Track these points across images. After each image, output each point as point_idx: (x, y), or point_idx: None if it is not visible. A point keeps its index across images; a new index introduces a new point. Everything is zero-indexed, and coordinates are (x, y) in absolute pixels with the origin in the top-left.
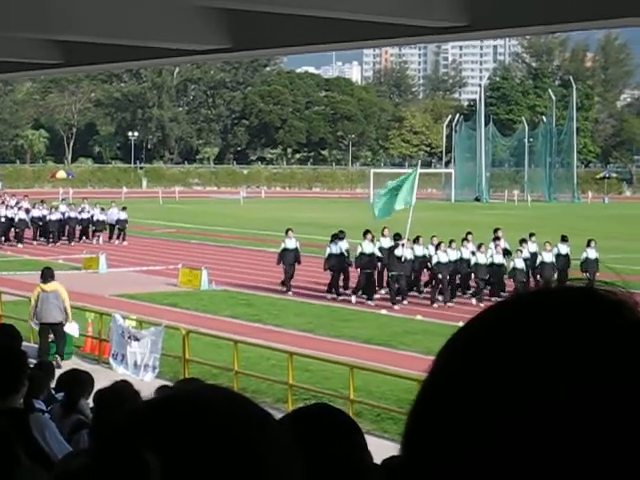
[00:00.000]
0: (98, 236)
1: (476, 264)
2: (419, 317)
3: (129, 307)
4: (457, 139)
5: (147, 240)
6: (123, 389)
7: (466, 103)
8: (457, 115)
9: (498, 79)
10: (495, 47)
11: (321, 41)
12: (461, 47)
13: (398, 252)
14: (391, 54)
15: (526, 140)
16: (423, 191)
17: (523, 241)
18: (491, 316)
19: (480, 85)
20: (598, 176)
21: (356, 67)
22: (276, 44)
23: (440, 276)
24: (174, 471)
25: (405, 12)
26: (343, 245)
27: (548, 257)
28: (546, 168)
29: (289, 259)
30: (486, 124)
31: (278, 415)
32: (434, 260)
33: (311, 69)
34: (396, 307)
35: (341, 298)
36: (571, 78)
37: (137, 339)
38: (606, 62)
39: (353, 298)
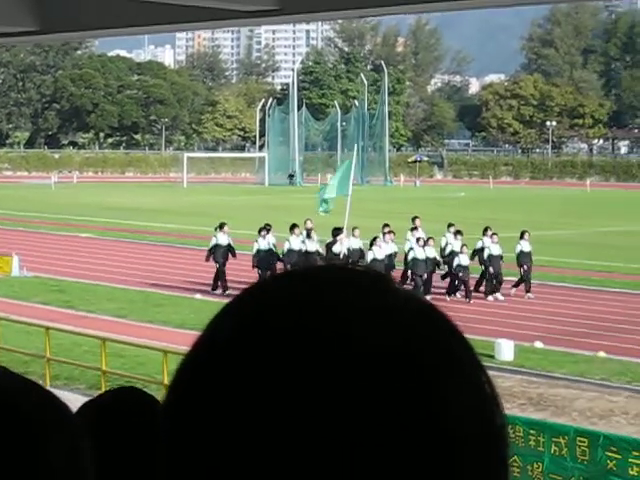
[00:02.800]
0: None
1: (414, 259)
2: None
3: None
4: (270, 123)
5: None
6: None
7: (279, 87)
8: (270, 99)
9: (311, 63)
10: (308, 32)
11: (133, 24)
12: (274, 31)
13: (336, 248)
14: (204, 38)
15: (339, 124)
16: (237, 175)
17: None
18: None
19: (293, 69)
20: (410, 160)
21: (169, 50)
22: (87, 27)
23: None
24: None
25: None
26: (271, 240)
27: (421, 253)
28: (358, 152)
29: (220, 256)
30: (299, 108)
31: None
32: (368, 257)
33: (123, 52)
34: None
35: None
36: (383, 63)
37: None
38: (417, 47)
39: None
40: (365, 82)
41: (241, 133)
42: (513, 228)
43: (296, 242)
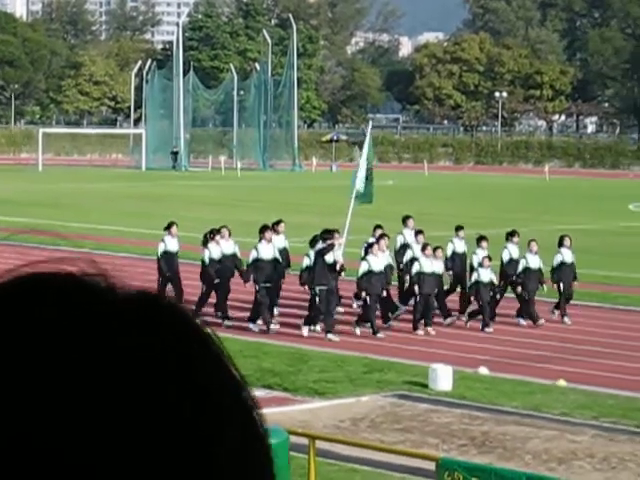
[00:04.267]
0: None
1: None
2: None
3: None
4: (149, 91)
5: None
6: None
7: (160, 46)
8: (149, 61)
9: (200, 16)
10: None
11: None
12: None
13: (329, 258)
14: None
15: (235, 93)
16: (107, 157)
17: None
18: None
19: (178, 24)
20: (324, 138)
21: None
22: None
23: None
24: None
25: None
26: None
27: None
28: (260, 128)
29: (170, 266)
30: (185, 73)
31: None
32: (362, 268)
33: None
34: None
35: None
36: (291, 16)
37: None
38: None
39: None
40: (269, 41)
41: (112, 104)
42: (451, 225)
43: (172, 243)
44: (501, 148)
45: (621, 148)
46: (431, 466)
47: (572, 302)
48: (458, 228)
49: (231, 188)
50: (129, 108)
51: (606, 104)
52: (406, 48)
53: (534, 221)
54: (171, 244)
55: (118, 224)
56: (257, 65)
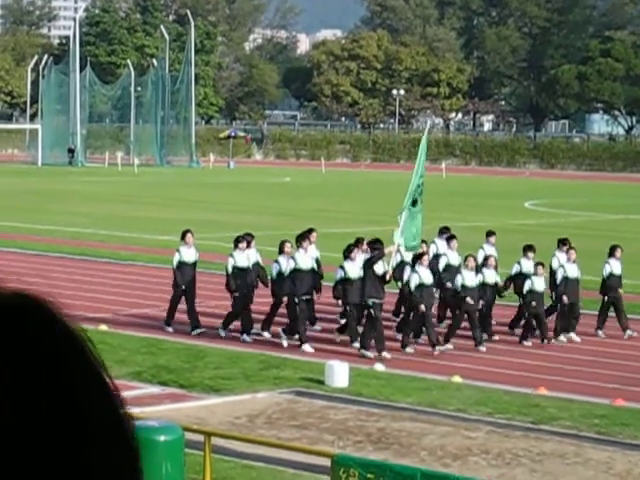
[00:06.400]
0: None
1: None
2: None
3: None
4: (45, 86)
5: None
6: None
7: (57, 41)
8: (45, 56)
9: (98, 11)
10: None
11: None
12: None
13: (378, 269)
14: None
15: (132, 89)
16: (2, 152)
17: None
18: None
19: (75, 19)
20: (222, 135)
21: None
22: None
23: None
24: None
25: None
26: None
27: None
28: (157, 124)
29: (185, 278)
30: (82, 68)
31: None
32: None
33: None
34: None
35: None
36: (188, 13)
37: None
38: None
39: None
40: (166, 37)
41: (7, 99)
42: (349, 222)
43: (189, 253)
44: (398, 145)
45: (517, 146)
46: (327, 462)
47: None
48: (489, 234)
49: (128, 184)
50: (25, 103)
51: (503, 102)
52: (304, 45)
53: (431, 219)
54: (187, 254)
55: (13, 220)
56: (154, 61)
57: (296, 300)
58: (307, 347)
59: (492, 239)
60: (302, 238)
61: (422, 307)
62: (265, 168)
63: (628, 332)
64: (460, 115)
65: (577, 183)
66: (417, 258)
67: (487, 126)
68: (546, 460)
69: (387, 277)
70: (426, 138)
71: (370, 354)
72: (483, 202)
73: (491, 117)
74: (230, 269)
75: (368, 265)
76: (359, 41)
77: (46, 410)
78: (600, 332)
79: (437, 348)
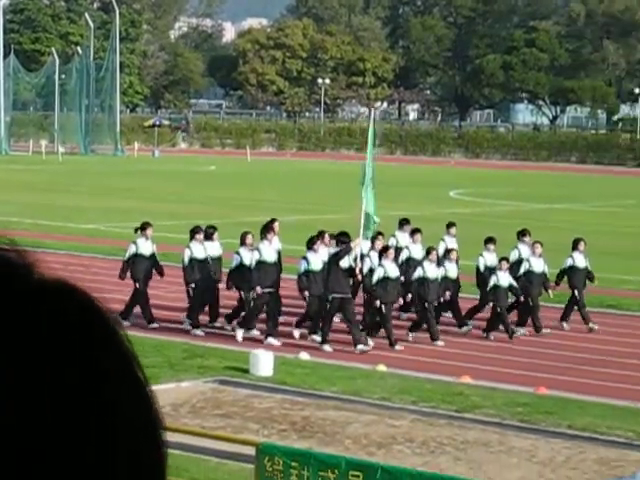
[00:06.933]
0: None
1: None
2: None
3: None
4: None
5: None
6: None
7: None
8: None
9: None
10: None
11: None
12: None
13: (344, 263)
14: None
15: (57, 77)
16: None
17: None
18: None
19: None
20: (147, 123)
21: None
22: None
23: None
24: None
25: None
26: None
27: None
28: (81, 113)
29: (141, 271)
30: (6, 55)
31: None
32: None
33: None
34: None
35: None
36: (113, 0)
37: None
38: None
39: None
40: (91, 24)
41: None
42: (274, 211)
43: (146, 246)
44: (324, 134)
45: (442, 136)
46: (251, 451)
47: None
48: (450, 225)
49: (52, 172)
50: None
51: (428, 92)
52: (229, 34)
53: (356, 207)
54: (144, 247)
55: None
56: (79, 49)
57: (258, 293)
58: (272, 340)
59: (453, 230)
60: (266, 229)
61: (377, 303)
62: (190, 157)
63: (565, 325)
64: (385, 104)
65: (502, 172)
66: (383, 251)
67: (412, 115)
68: (470, 448)
69: (357, 271)
70: (372, 127)
71: (329, 348)
72: (408, 191)
73: (416, 106)
74: (187, 261)
75: (334, 260)
76: (285, 30)
77: (77, 396)
78: (565, 324)
79: (397, 345)
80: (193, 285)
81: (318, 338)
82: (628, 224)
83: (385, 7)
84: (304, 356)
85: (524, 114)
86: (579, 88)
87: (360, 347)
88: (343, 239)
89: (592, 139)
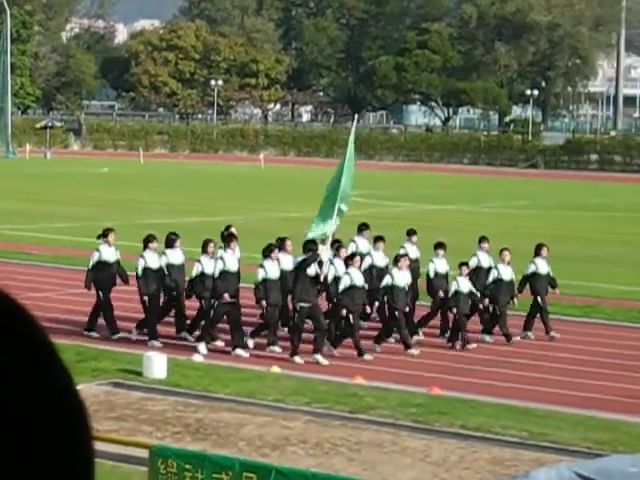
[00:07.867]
0: None
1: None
2: None
3: None
4: None
5: None
6: None
7: None
8: None
9: None
10: None
11: None
12: None
13: (311, 271)
14: None
15: None
16: None
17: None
18: None
19: None
20: (38, 125)
21: None
22: None
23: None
24: None
25: None
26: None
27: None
28: None
29: (106, 278)
30: None
31: None
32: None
33: None
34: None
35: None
36: (4, 1)
37: None
38: None
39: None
40: None
41: None
42: (167, 213)
43: (109, 253)
44: (217, 136)
45: (335, 137)
46: (145, 454)
47: None
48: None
49: None
50: None
51: (321, 93)
52: (122, 35)
53: (250, 209)
54: (107, 253)
55: None
56: None
57: (225, 301)
58: (240, 352)
59: (414, 238)
60: (229, 238)
61: (344, 312)
62: (82, 159)
63: (529, 334)
64: (278, 106)
65: (395, 174)
66: (349, 259)
67: (305, 117)
68: (364, 449)
69: (321, 278)
70: (353, 134)
71: (300, 360)
72: (301, 192)
73: (309, 108)
74: (140, 271)
75: (302, 267)
76: (177, 31)
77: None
78: (529, 333)
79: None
80: (146, 298)
81: (276, 349)
82: (520, 225)
83: (278, 9)
84: (198, 358)
85: (417, 115)
86: (471, 90)
87: (316, 356)
88: (310, 246)
89: (484, 140)
